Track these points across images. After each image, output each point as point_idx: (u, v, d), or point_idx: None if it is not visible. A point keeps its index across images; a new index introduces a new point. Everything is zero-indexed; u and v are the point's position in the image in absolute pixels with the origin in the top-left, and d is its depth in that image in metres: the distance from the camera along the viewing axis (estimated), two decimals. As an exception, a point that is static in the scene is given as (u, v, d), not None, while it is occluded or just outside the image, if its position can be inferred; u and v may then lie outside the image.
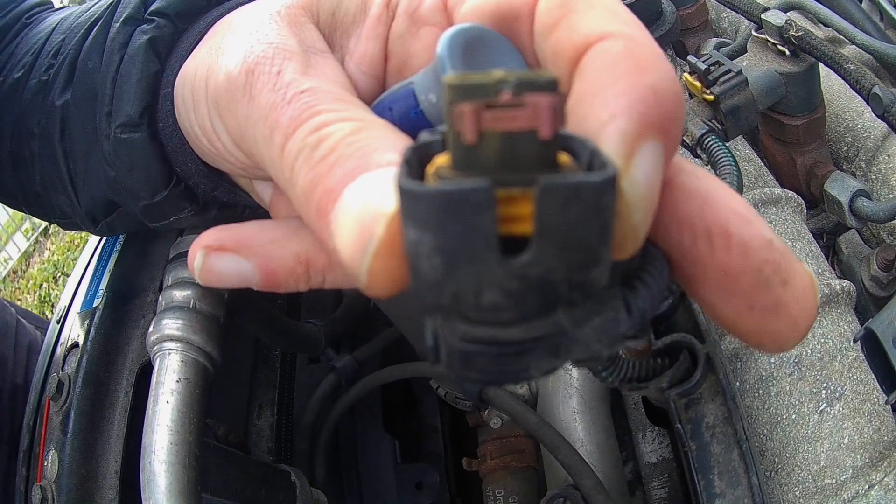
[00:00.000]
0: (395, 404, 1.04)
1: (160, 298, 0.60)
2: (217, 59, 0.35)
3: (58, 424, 0.69)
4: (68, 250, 4.72)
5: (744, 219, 0.25)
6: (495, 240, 0.19)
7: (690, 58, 0.74)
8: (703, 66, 0.73)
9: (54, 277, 4.66)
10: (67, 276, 4.36)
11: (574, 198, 0.19)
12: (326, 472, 0.84)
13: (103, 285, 0.70)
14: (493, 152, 0.20)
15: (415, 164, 0.22)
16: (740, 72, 0.73)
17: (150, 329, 0.58)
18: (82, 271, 0.81)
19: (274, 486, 0.72)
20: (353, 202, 0.25)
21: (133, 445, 0.66)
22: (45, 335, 0.83)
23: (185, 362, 0.56)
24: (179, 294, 0.59)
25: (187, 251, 0.61)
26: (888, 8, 0.88)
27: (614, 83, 0.24)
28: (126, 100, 0.44)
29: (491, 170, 0.20)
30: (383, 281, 0.24)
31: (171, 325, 0.57)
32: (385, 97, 0.34)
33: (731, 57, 0.80)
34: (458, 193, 0.19)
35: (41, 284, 4.73)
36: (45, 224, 5.10)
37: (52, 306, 4.24)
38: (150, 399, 0.56)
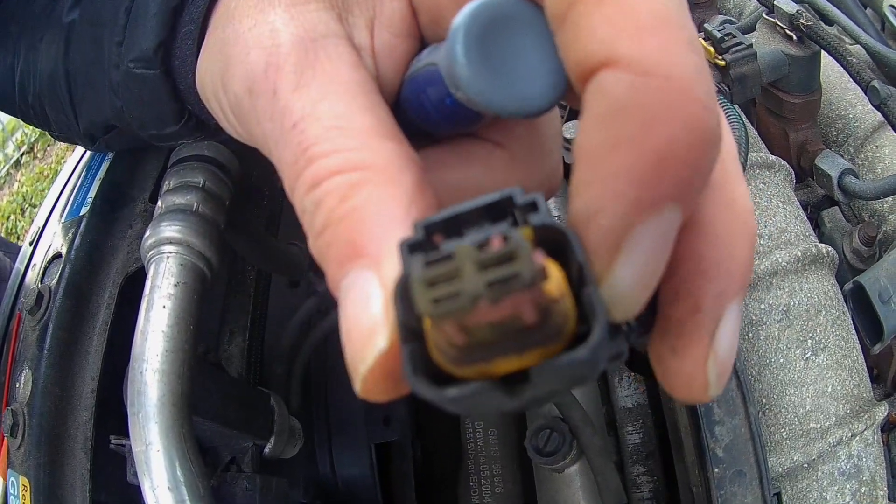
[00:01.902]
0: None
1: (159, 202, 0.56)
2: (226, 68, 0.31)
3: (33, 341, 0.65)
4: (37, 181, 4.56)
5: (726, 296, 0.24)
6: (500, 389, 0.20)
7: (707, 25, 0.78)
8: (718, 35, 0.77)
9: (22, 209, 4.50)
10: (35, 207, 4.21)
11: (565, 371, 0.20)
12: (301, 400, 0.81)
13: (92, 193, 0.66)
14: (481, 335, 0.20)
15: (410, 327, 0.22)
16: (751, 45, 0.77)
17: (147, 233, 0.55)
18: (62, 185, 0.77)
19: (253, 409, 0.69)
20: (348, 303, 0.24)
21: (112, 363, 0.63)
22: (14, 261, 0.78)
23: (184, 266, 0.53)
24: (181, 197, 0.55)
25: (189, 156, 0.58)
26: (890, 17, 0.91)
27: (609, 155, 0.20)
28: (142, 33, 0.41)
29: (483, 346, 0.20)
30: (376, 394, 0.24)
31: (170, 227, 0.54)
32: (420, 70, 0.30)
33: (742, 33, 0.82)
34: (469, 397, 0.20)
35: (9, 217, 4.56)
36: (16, 156, 4.92)
37: (19, 239, 4.10)
38: (144, 304, 0.53)
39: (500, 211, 0.22)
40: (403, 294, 0.21)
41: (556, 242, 0.21)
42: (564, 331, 0.21)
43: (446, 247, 0.21)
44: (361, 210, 0.25)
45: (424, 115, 0.30)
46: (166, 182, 0.57)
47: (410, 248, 0.22)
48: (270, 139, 0.28)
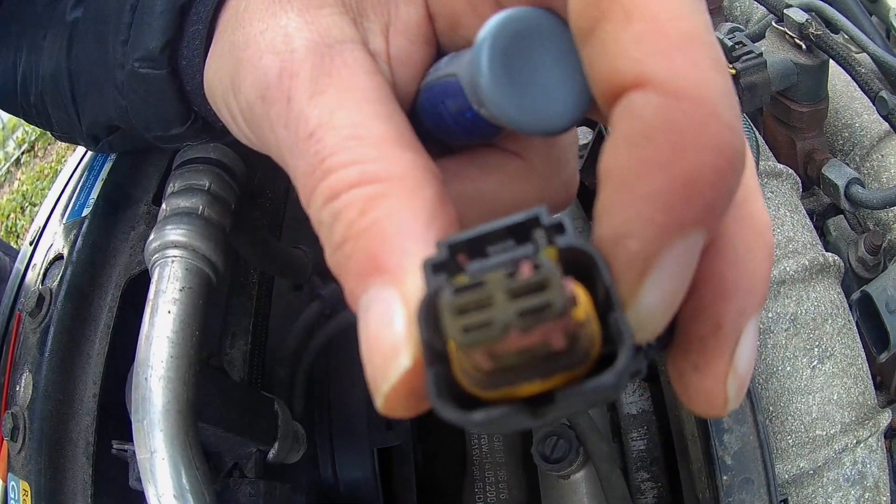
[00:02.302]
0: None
1: (163, 205, 0.56)
2: (237, 71, 0.30)
3: (34, 343, 0.64)
4: (38, 180, 4.54)
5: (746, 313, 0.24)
6: (524, 411, 0.21)
7: (718, 32, 0.77)
8: (729, 43, 0.77)
9: (22, 208, 4.48)
10: (35, 206, 4.19)
11: (590, 395, 0.20)
12: (304, 405, 0.81)
13: (94, 194, 0.65)
14: (509, 361, 0.20)
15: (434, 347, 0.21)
16: (761, 54, 0.76)
17: (151, 237, 0.54)
18: (63, 185, 0.76)
19: (257, 414, 0.68)
20: (369, 320, 0.24)
21: (114, 366, 0.62)
22: (14, 261, 0.78)
23: (189, 270, 0.52)
24: (186, 201, 0.54)
25: (194, 158, 0.57)
26: None
27: (638, 179, 0.20)
28: (148, 32, 0.40)
29: (510, 370, 0.20)
30: (398, 411, 0.24)
31: (175, 231, 0.53)
32: (438, 80, 0.29)
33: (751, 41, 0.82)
34: (494, 421, 0.20)
35: (9, 215, 4.53)
36: (17, 154, 4.89)
37: (19, 237, 4.08)
38: (149, 309, 0.52)
39: (524, 230, 0.22)
40: (427, 315, 0.21)
41: (581, 264, 0.21)
42: (590, 354, 0.20)
43: (473, 267, 0.21)
44: (382, 224, 0.24)
45: (442, 126, 0.29)
46: (171, 184, 0.57)
47: (434, 268, 0.22)
48: (284, 147, 0.28)
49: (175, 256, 0.52)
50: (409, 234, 0.24)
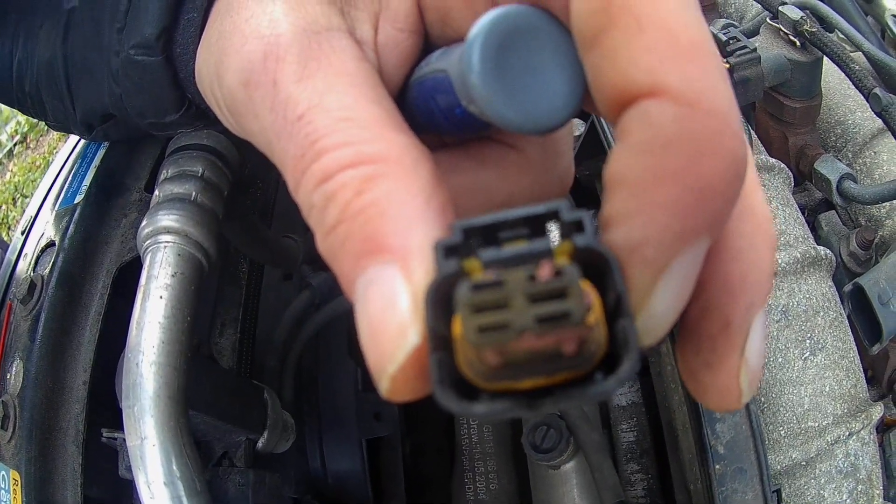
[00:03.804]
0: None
1: (156, 191, 0.54)
2: (221, 59, 0.30)
3: (25, 330, 0.63)
4: (30, 171, 4.49)
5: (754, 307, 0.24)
6: (523, 404, 0.20)
7: (712, 28, 0.77)
8: (723, 38, 0.77)
9: (14, 199, 4.43)
10: (27, 198, 4.15)
11: (591, 397, 0.20)
12: (293, 395, 0.80)
13: (87, 181, 0.64)
14: (517, 359, 0.20)
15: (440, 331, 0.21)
16: (755, 49, 0.77)
17: (144, 222, 0.53)
18: (55, 174, 0.74)
19: (247, 403, 0.67)
20: (369, 300, 0.23)
21: (104, 354, 0.61)
22: (5, 252, 0.76)
23: (181, 256, 0.51)
24: (179, 187, 0.53)
25: (188, 145, 0.56)
26: (892, 25, 0.92)
27: (654, 187, 0.20)
28: (144, 18, 0.39)
29: (515, 367, 0.20)
30: (404, 394, 0.23)
31: (168, 216, 0.52)
32: (429, 75, 0.29)
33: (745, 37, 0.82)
34: (494, 413, 0.20)
35: (0, 206, 4.49)
36: (9, 146, 4.85)
37: (10, 229, 4.04)
38: (140, 295, 0.51)
39: (540, 222, 0.22)
40: (436, 299, 0.21)
41: (593, 264, 0.21)
42: (595, 357, 0.20)
43: (486, 256, 0.20)
44: (381, 203, 0.23)
45: (433, 121, 0.29)
46: (164, 171, 0.56)
47: (447, 251, 0.21)
48: (271, 131, 0.27)
49: (167, 242, 0.51)
50: (410, 213, 0.23)
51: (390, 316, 0.22)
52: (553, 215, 0.21)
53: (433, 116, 0.28)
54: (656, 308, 0.21)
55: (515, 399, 0.20)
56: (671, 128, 0.20)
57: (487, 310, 0.19)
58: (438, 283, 0.21)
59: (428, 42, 0.30)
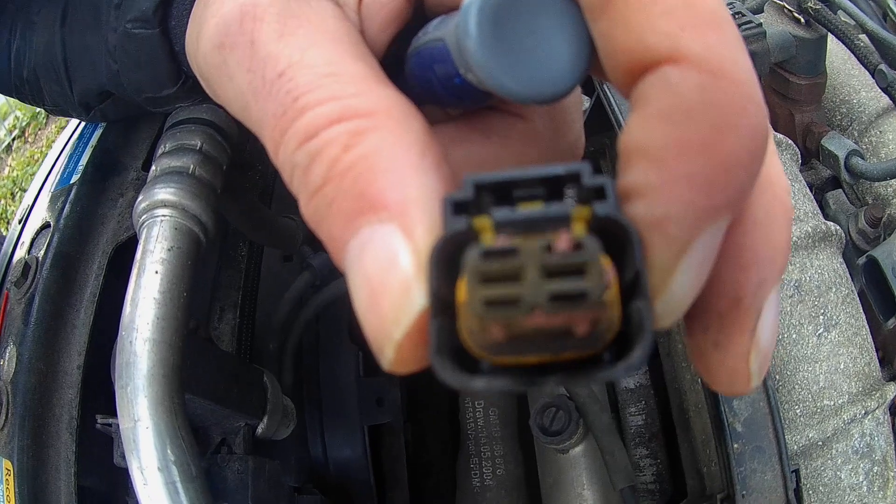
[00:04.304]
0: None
1: (153, 166, 0.53)
2: (201, 27, 0.28)
3: (19, 314, 0.61)
4: (28, 165, 4.49)
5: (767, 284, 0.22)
6: (524, 379, 0.19)
7: None
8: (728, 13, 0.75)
9: (12, 194, 4.42)
10: (25, 192, 4.14)
11: (598, 380, 0.19)
12: (293, 379, 0.77)
13: (83, 161, 0.62)
14: (524, 334, 0.18)
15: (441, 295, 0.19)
16: (760, 24, 0.75)
17: (140, 197, 0.51)
18: (52, 162, 0.73)
19: (246, 386, 0.65)
20: (366, 261, 0.21)
21: (99, 337, 0.59)
22: (2, 243, 0.75)
23: (178, 230, 0.49)
24: (177, 160, 0.51)
25: (186, 119, 0.54)
26: (894, 7, 0.91)
27: (678, 159, 0.19)
28: None
29: (521, 342, 0.18)
30: (411, 362, 0.21)
31: (165, 190, 0.50)
32: (426, 45, 0.27)
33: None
34: (493, 389, 0.19)
35: (-1, 200, 4.48)
36: (7, 140, 4.84)
37: (9, 224, 4.02)
38: (135, 270, 0.49)
39: (558, 184, 0.20)
40: (440, 259, 0.19)
41: (611, 235, 0.19)
42: (606, 338, 0.19)
43: (498, 215, 0.19)
44: (372, 158, 0.21)
45: (432, 92, 0.27)
46: (162, 145, 0.54)
47: (455, 207, 0.19)
48: (248, 93, 0.24)
49: (164, 216, 0.49)
50: (405, 166, 0.21)
51: (392, 277, 0.20)
52: (573, 178, 0.20)
53: (432, 87, 0.27)
54: (675, 289, 0.20)
55: (517, 374, 0.19)
56: (694, 96, 0.18)
57: (497, 280, 0.18)
58: (445, 240, 0.19)
59: (425, 10, 0.29)
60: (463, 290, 0.18)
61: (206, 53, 0.27)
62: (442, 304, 0.19)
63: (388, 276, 0.20)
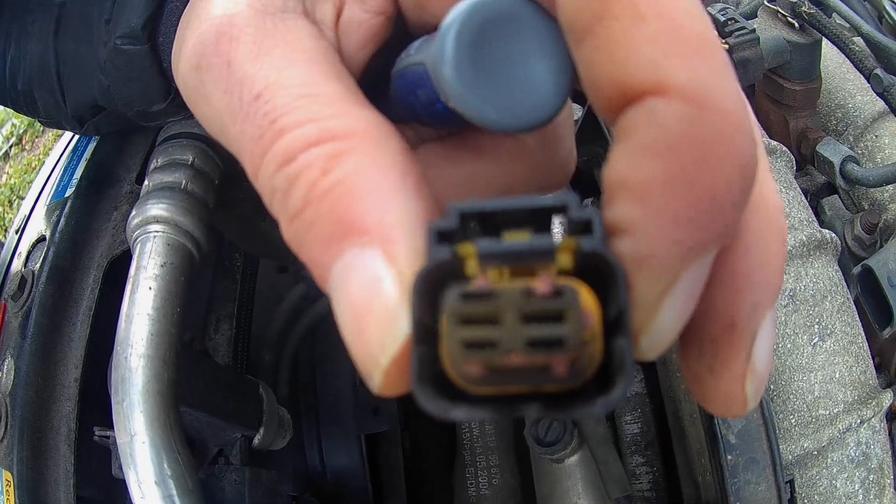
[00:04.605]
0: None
1: (146, 181, 0.53)
2: (180, 48, 0.28)
3: (16, 328, 0.61)
4: (25, 173, 4.48)
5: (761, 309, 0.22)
6: (505, 409, 0.19)
7: (710, 9, 0.76)
8: (721, 18, 0.76)
9: (10, 201, 4.41)
10: (23, 199, 4.13)
11: (577, 414, 0.19)
12: (289, 389, 0.77)
13: (78, 174, 0.62)
14: (502, 371, 0.18)
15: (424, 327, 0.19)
16: (754, 30, 0.75)
17: (133, 213, 0.51)
18: (48, 173, 0.73)
19: (242, 398, 0.65)
20: (350, 288, 0.20)
21: (95, 350, 0.59)
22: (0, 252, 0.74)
23: (171, 245, 0.49)
24: (169, 175, 0.51)
25: (178, 133, 0.54)
26: (890, 10, 0.90)
27: (663, 195, 0.18)
28: (130, 9, 0.39)
29: (501, 376, 0.18)
30: (399, 387, 0.20)
31: (157, 206, 0.50)
32: (408, 68, 0.26)
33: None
34: (473, 418, 0.19)
35: (-3, 209, 4.48)
36: (5, 148, 4.86)
37: (7, 231, 4.02)
38: (129, 286, 0.49)
39: (545, 215, 0.19)
40: (423, 288, 0.19)
41: (595, 269, 0.19)
42: (586, 373, 0.19)
43: (483, 246, 0.18)
44: (351, 181, 0.21)
45: (415, 115, 0.27)
46: (154, 160, 0.54)
47: (440, 236, 0.19)
48: (225, 114, 0.24)
49: (157, 232, 0.49)
50: (384, 189, 0.21)
51: (376, 303, 0.20)
52: (560, 210, 0.19)
53: (415, 111, 0.26)
54: (661, 324, 0.19)
55: (498, 404, 0.19)
56: (679, 128, 0.18)
57: (476, 322, 0.17)
58: (428, 270, 0.19)
59: (407, 29, 0.28)
60: (445, 324, 0.18)
61: (184, 74, 0.26)
62: (425, 332, 0.19)
63: (372, 302, 0.20)
